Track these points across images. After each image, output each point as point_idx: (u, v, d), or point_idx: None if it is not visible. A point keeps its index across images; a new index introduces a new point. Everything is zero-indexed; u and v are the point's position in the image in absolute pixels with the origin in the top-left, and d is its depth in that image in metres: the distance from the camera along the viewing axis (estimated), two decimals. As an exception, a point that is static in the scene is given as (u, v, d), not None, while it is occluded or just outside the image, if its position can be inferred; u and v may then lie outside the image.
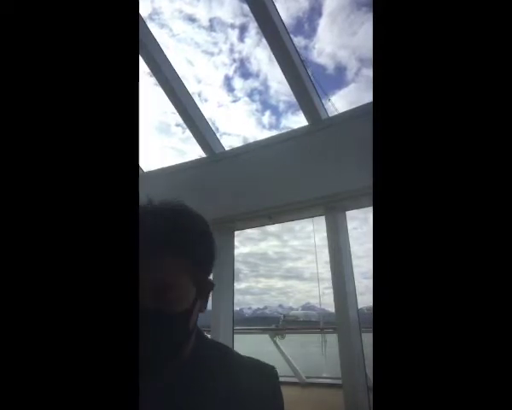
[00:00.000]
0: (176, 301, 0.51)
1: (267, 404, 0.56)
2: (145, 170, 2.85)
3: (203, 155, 2.52)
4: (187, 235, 0.54)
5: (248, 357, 0.62)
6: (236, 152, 2.42)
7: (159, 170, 2.76)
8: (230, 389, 0.53)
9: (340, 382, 1.94)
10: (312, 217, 2.25)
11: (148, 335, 0.48)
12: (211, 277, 0.60)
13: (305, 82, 2.02)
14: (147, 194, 0.56)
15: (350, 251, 1.99)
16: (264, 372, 0.60)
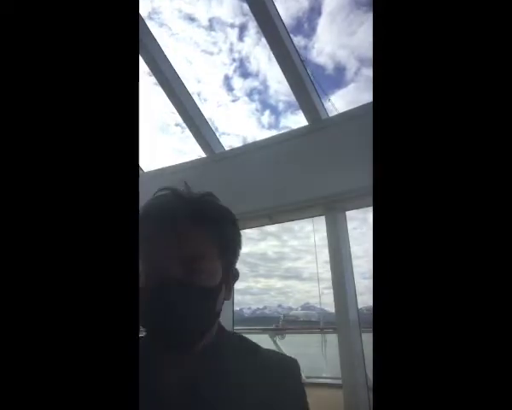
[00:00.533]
0: (206, 274, 0.53)
1: (286, 399, 0.55)
2: (145, 170, 2.85)
3: (203, 155, 2.52)
4: (219, 218, 0.59)
5: (269, 350, 0.63)
6: (236, 152, 2.42)
7: (159, 170, 2.76)
8: (250, 379, 0.54)
9: (340, 382, 1.94)
10: (312, 217, 2.25)
11: (177, 307, 0.50)
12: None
13: (305, 82, 2.02)
14: (184, 181, 0.61)
15: (350, 251, 1.99)
16: (285, 365, 0.60)
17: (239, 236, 0.63)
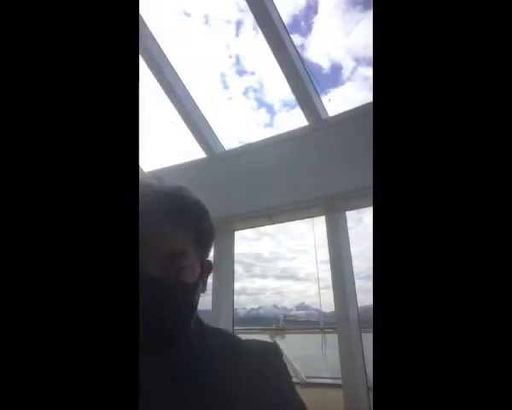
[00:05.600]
0: (186, 269, 0.54)
1: (269, 382, 0.56)
2: (145, 170, 2.85)
3: (203, 155, 2.52)
4: (192, 211, 0.59)
5: (249, 340, 0.64)
6: (237, 152, 2.42)
7: (159, 170, 2.76)
8: (231, 372, 0.54)
9: (340, 382, 1.94)
10: (312, 217, 2.25)
11: (160, 304, 0.50)
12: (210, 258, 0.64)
13: (305, 81, 2.02)
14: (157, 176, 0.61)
15: (350, 251, 1.99)
16: (264, 350, 0.62)
17: (212, 227, 0.64)
